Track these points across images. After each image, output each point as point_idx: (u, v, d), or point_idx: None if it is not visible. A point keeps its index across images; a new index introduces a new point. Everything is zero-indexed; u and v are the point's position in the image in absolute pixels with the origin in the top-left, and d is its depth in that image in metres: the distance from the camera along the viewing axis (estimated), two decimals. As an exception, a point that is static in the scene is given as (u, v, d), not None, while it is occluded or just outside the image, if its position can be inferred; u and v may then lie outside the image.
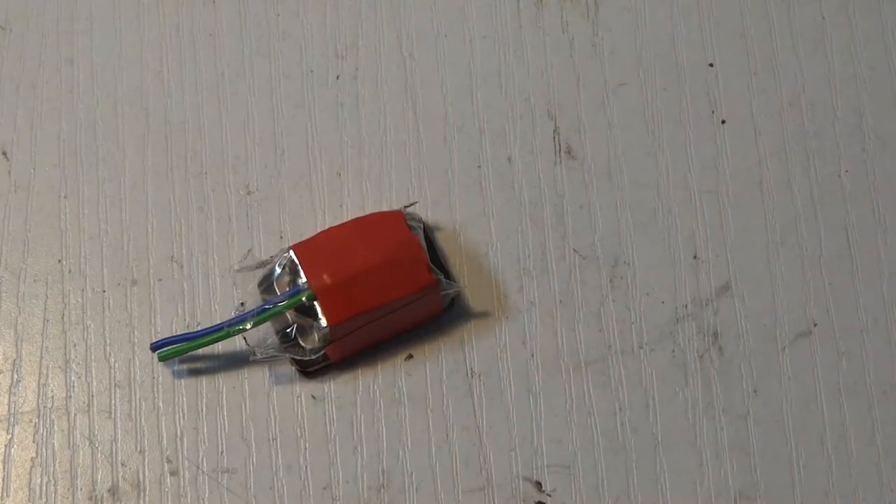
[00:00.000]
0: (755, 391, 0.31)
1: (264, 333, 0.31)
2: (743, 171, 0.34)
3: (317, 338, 0.31)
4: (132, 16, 0.36)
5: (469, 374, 0.32)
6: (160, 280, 0.33)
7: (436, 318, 0.32)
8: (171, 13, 0.36)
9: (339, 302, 0.30)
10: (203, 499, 0.31)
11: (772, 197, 0.34)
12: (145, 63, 0.36)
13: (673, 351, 0.32)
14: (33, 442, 0.31)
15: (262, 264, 0.32)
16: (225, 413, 0.32)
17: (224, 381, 0.32)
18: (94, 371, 0.32)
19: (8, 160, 0.35)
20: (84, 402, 0.32)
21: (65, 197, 0.34)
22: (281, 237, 0.34)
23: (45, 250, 0.34)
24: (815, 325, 0.32)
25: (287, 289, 0.31)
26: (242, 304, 0.32)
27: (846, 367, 0.31)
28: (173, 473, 0.31)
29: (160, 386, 0.32)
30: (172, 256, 0.34)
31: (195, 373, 0.32)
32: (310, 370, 0.31)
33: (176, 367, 0.32)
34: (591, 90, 0.35)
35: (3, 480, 0.31)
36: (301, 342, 0.31)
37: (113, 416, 0.32)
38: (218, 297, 0.33)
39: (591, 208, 0.33)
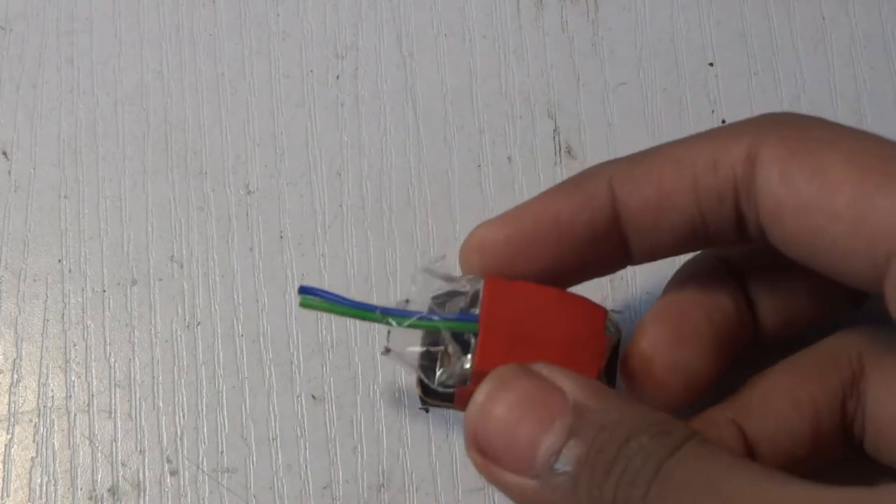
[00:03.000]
0: None
1: (409, 338, 0.29)
2: None
3: (455, 373, 0.28)
4: (132, 16, 0.36)
5: (469, 376, 0.32)
6: (160, 280, 0.33)
7: None
8: (171, 13, 0.36)
9: (498, 352, 0.28)
10: (203, 498, 0.31)
11: None
12: (145, 63, 0.36)
13: None
14: (33, 442, 0.31)
15: (450, 279, 0.29)
16: (225, 413, 0.31)
17: (224, 381, 0.32)
18: (94, 371, 0.32)
19: (8, 160, 0.35)
20: (84, 402, 0.32)
21: (65, 197, 0.34)
22: (281, 237, 0.34)
23: (45, 250, 0.34)
24: None
25: (458, 311, 0.29)
26: (407, 301, 0.29)
27: None
28: (173, 473, 0.31)
29: (160, 386, 0.32)
30: (172, 256, 0.34)
31: (195, 372, 0.32)
32: (429, 401, 0.29)
33: (175, 368, 0.32)
34: (591, 90, 0.35)
35: (3, 480, 0.31)
36: (437, 369, 0.29)
37: (113, 415, 0.32)
38: (218, 297, 0.33)
39: None
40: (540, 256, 0.27)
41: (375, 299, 0.32)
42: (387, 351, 0.29)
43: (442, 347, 0.29)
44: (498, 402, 0.24)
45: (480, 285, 0.28)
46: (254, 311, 0.33)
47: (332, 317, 0.32)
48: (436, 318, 0.28)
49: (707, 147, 0.24)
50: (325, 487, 0.30)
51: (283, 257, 0.33)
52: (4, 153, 0.35)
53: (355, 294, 0.32)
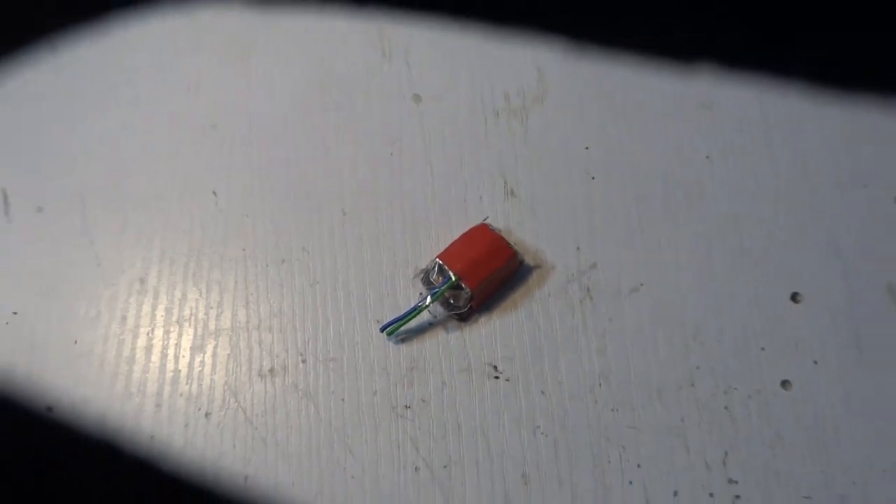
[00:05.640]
0: (610, 320, 0.31)
1: (435, 308, 0.31)
2: (607, 206, 0.33)
3: (465, 298, 0.30)
4: (279, 108, 0.36)
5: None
6: (297, 260, 0.33)
7: (513, 274, 0.32)
8: (301, 99, 0.36)
9: (473, 275, 0.30)
10: (319, 374, 0.31)
11: (618, 219, 0.33)
12: (293, 139, 0.35)
13: (566, 298, 0.32)
14: (229, 345, 0.32)
15: (424, 270, 0.31)
16: (331, 330, 0.32)
17: (332, 316, 0.32)
18: (261, 308, 0.32)
19: (216, 196, 0.35)
20: (256, 324, 0.32)
21: (246, 216, 0.34)
22: (361, 239, 0.33)
23: (235, 244, 0.34)
24: (642, 284, 0.32)
25: (440, 280, 0.30)
26: (421, 293, 0.31)
27: (661, 309, 0.31)
28: (304, 361, 0.31)
29: (297, 316, 0.32)
30: (304, 247, 0.33)
31: (316, 311, 0.32)
32: (463, 316, 0.31)
33: (305, 307, 0.32)
34: (524, 163, 0.34)
35: (212, 367, 0.31)
36: (455, 304, 0.31)
37: (272, 331, 0.32)
38: (328, 270, 0.33)
39: (523, 225, 0.33)
40: None
41: (409, 267, 0.32)
42: (432, 317, 0.31)
43: (451, 297, 0.31)
44: None
45: (437, 262, 0.30)
46: (346, 277, 0.32)
47: (396, 276, 0.32)
48: (437, 290, 0.30)
49: None
50: (384, 369, 0.31)
51: (363, 252, 0.33)
52: (214, 193, 0.35)
53: (399, 259, 0.33)
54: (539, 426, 0.29)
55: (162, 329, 0.32)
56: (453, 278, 0.30)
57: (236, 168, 0.35)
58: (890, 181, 0.33)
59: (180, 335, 0.32)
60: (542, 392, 0.30)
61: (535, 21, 0.36)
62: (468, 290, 0.30)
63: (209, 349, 0.32)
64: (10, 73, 0.36)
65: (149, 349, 0.32)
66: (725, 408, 0.29)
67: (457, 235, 0.31)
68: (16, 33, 0.35)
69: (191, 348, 0.32)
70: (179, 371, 0.31)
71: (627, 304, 0.32)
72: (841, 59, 0.34)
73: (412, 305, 0.30)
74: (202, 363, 0.31)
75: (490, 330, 0.31)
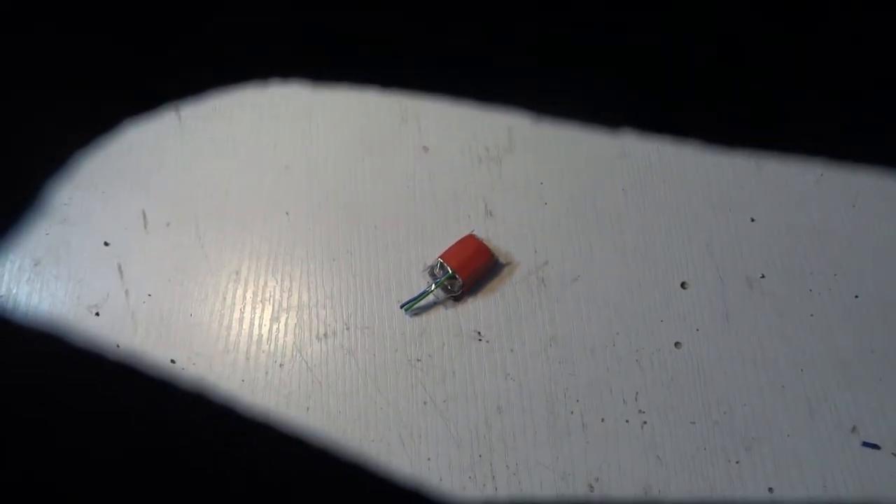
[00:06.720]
0: (557, 301, 0.32)
1: (437, 292, 0.31)
2: (555, 223, 0.33)
3: (458, 285, 0.31)
4: (335, 161, 0.35)
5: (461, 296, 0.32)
6: (343, 259, 0.33)
7: (491, 269, 0.32)
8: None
9: (464, 269, 0.30)
10: (360, 337, 0.31)
11: (562, 231, 0.33)
12: (341, 177, 0.34)
13: (527, 285, 0.32)
14: (296, 317, 0.32)
15: (430, 266, 0.31)
16: (366, 309, 0.32)
17: (366, 297, 0.32)
18: (318, 292, 0.33)
19: (288, 216, 0.34)
20: (314, 303, 0.32)
21: (308, 228, 0.34)
22: (387, 245, 0.33)
23: (301, 247, 0.33)
24: (579, 276, 0.32)
25: (441, 272, 0.31)
26: (428, 282, 0.31)
27: (592, 293, 0.32)
28: (347, 328, 0.32)
29: (343, 297, 0.32)
30: (348, 250, 0.33)
31: (357, 295, 0.32)
32: (457, 298, 0.31)
33: (346, 292, 0.32)
34: (499, 193, 0.34)
35: (284, 332, 0.32)
36: (452, 289, 0.31)
37: (325, 307, 0.32)
38: (364, 268, 0.33)
39: (498, 235, 0.33)
40: None
41: (420, 264, 0.33)
42: (435, 298, 0.31)
43: (448, 284, 0.31)
44: None
45: (439, 260, 0.31)
46: (377, 270, 0.33)
47: (411, 270, 0.32)
48: (439, 279, 0.31)
49: None
50: (402, 334, 0.31)
51: (389, 253, 0.33)
52: (287, 212, 0.34)
53: (413, 259, 0.33)
54: (509, 373, 0.31)
55: (250, 306, 0.33)
56: (450, 271, 0.31)
57: (302, 196, 0.35)
58: (746, 205, 0.34)
59: (263, 310, 0.33)
60: (511, 350, 0.31)
61: (507, 97, 0.36)
62: (461, 279, 0.31)
63: (283, 320, 0.32)
64: (148, 129, 0.36)
65: (241, 320, 0.32)
66: (636, 361, 0.31)
67: (453, 242, 0.32)
68: (151, 101, 0.36)
69: (270, 319, 0.32)
70: (262, 335, 0.32)
71: (569, 290, 0.32)
72: (711, 124, 0.36)
73: (422, 290, 0.31)
74: (278, 329, 0.32)
75: (475, 307, 0.32)
